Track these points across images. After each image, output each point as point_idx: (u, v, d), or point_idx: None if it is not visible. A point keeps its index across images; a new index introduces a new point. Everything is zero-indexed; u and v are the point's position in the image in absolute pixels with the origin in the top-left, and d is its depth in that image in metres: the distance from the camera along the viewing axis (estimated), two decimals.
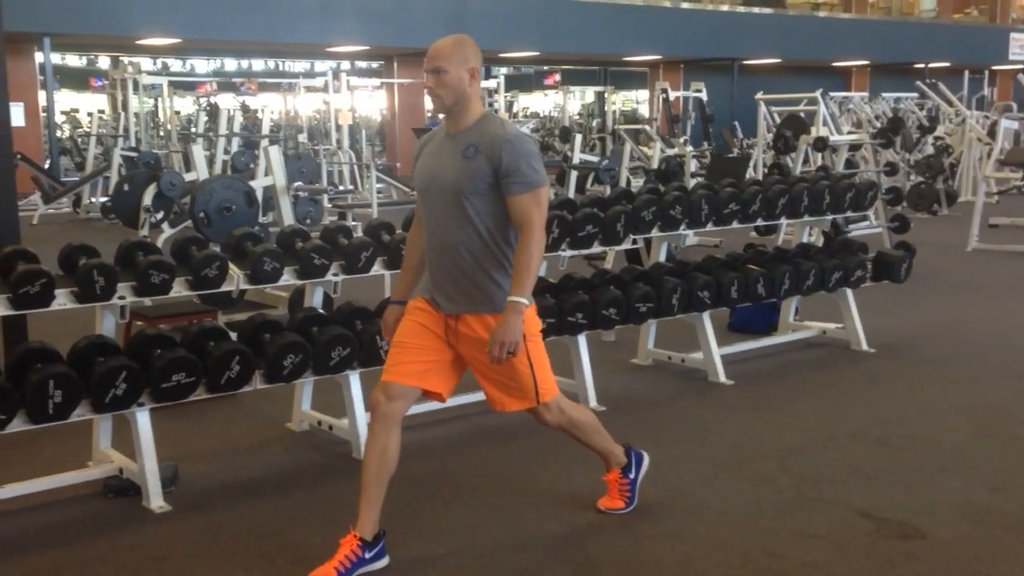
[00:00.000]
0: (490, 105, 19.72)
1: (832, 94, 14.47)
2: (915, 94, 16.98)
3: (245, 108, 22.45)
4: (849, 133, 12.13)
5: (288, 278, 4.08)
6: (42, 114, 17.38)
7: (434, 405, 4.10)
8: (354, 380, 4.05)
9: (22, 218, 5.54)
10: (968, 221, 10.01)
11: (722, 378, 5.18)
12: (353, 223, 7.46)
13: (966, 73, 19.14)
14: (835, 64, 25.26)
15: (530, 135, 3.04)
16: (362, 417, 4.06)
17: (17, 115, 15.66)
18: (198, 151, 9.65)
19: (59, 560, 3.20)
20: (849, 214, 6.21)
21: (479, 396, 3.43)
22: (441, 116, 3.06)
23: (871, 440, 4.27)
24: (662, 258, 5.43)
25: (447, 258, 3.02)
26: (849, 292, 5.82)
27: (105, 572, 3.13)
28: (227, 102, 22.19)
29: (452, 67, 2.94)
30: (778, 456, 4.07)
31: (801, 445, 4.21)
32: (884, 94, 19.25)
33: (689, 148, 11.88)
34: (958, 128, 14.70)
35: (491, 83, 20.66)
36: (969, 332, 6.35)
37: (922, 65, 24.44)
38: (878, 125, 13.46)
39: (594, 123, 22.82)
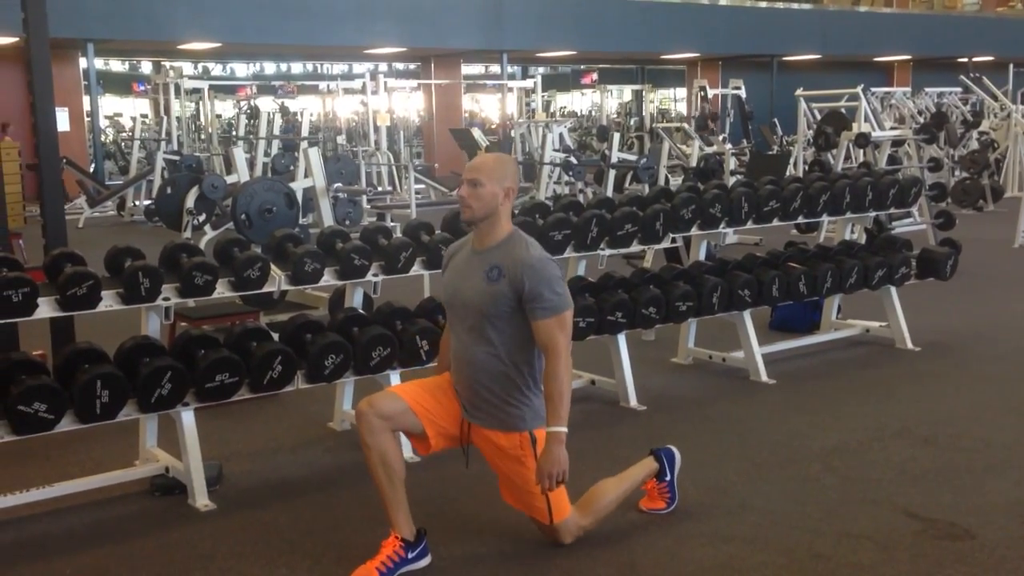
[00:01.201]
0: (527, 105, 19.73)
1: (874, 89, 14.30)
2: (959, 89, 16.71)
3: (284, 111, 22.64)
4: (892, 129, 11.97)
5: (328, 279, 4.10)
6: (86, 119, 17.66)
7: None
8: (394, 380, 4.06)
9: (68, 221, 5.62)
10: (1014, 217, 9.83)
11: (764, 377, 5.14)
12: (392, 224, 7.48)
13: (1011, 67, 18.81)
14: (876, 59, 24.93)
15: (553, 259, 3.07)
16: None
17: (62, 120, 15.96)
18: (239, 154, 9.76)
19: (108, 557, 3.25)
20: (892, 211, 6.12)
21: None
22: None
23: (917, 440, 4.21)
24: (702, 256, 5.40)
25: (464, 373, 3.10)
26: (893, 290, 5.74)
27: (153, 569, 3.17)
28: (267, 105, 22.43)
29: (489, 182, 2.99)
30: (822, 456, 4.02)
31: (845, 444, 4.16)
32: (927, 89, 18.97)
33: (728, 146, 11.79)
34: (1003, 123, 14.45)
35: (528, 83, 20.66)
36: (1017, 330, 6.24)
37: (966, 59, 24.03)
38: (921, 120, 13.26)
39: (632, 121, 22.75)
